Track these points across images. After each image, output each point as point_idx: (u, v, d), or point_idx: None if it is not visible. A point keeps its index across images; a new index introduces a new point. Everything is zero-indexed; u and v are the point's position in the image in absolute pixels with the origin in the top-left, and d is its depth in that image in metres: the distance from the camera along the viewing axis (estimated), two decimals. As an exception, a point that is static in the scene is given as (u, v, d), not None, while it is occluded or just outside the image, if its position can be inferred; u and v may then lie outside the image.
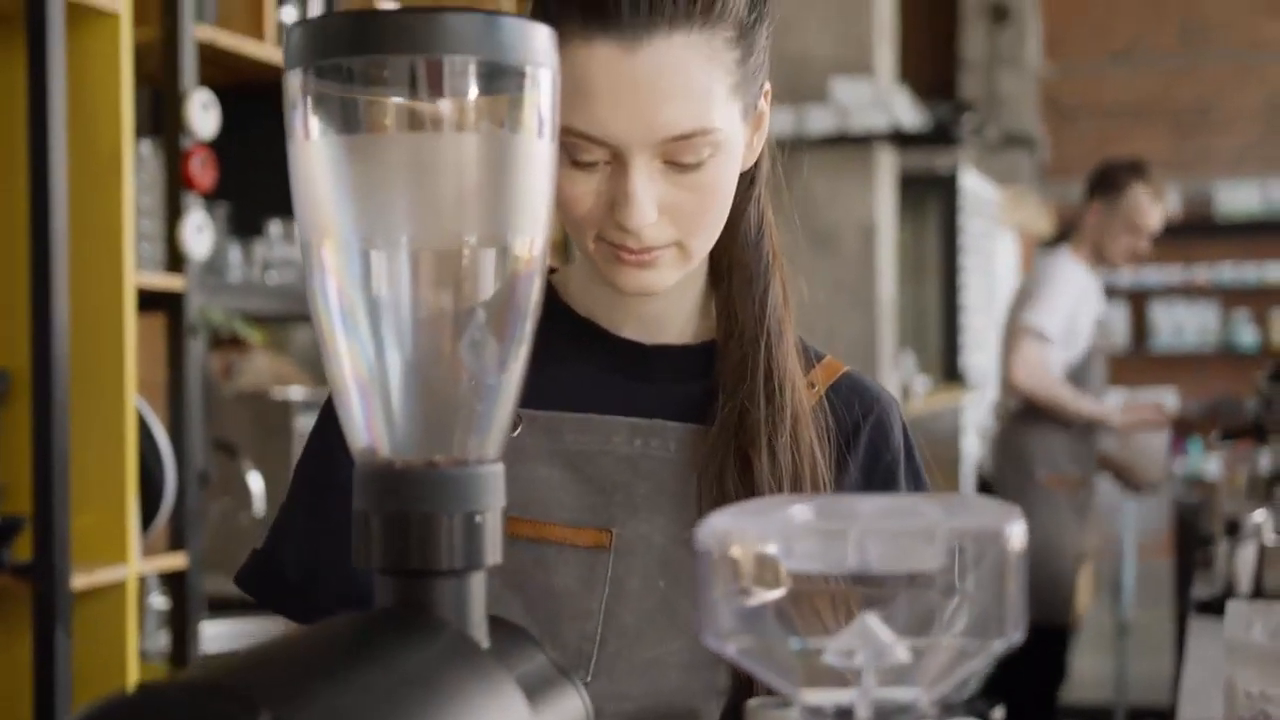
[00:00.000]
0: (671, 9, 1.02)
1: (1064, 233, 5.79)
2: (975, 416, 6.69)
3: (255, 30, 2.92)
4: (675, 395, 1.15)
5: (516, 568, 1.10)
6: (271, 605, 1.18)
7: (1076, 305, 4.13)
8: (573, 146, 1.03)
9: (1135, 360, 9.35)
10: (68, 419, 2.35)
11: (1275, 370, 3.08)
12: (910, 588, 0.63)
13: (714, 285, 1.18)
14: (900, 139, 5.56)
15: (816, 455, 1.13)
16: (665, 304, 1.16)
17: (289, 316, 3.39)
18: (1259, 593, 2.44)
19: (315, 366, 3.35)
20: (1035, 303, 4.10)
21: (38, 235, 2.32)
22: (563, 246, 2.91)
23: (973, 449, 6.36)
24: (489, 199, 0.63)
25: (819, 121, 5.32)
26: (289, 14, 3.04)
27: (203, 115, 2.67)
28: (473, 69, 0.61)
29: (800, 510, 0.65)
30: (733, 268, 1.16)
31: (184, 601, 2.67)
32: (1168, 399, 4.90)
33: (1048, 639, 4.06)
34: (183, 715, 0.49)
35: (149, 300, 2.61)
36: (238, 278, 2.98)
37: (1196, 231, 9.39)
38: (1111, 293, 8.01)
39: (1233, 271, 9.40)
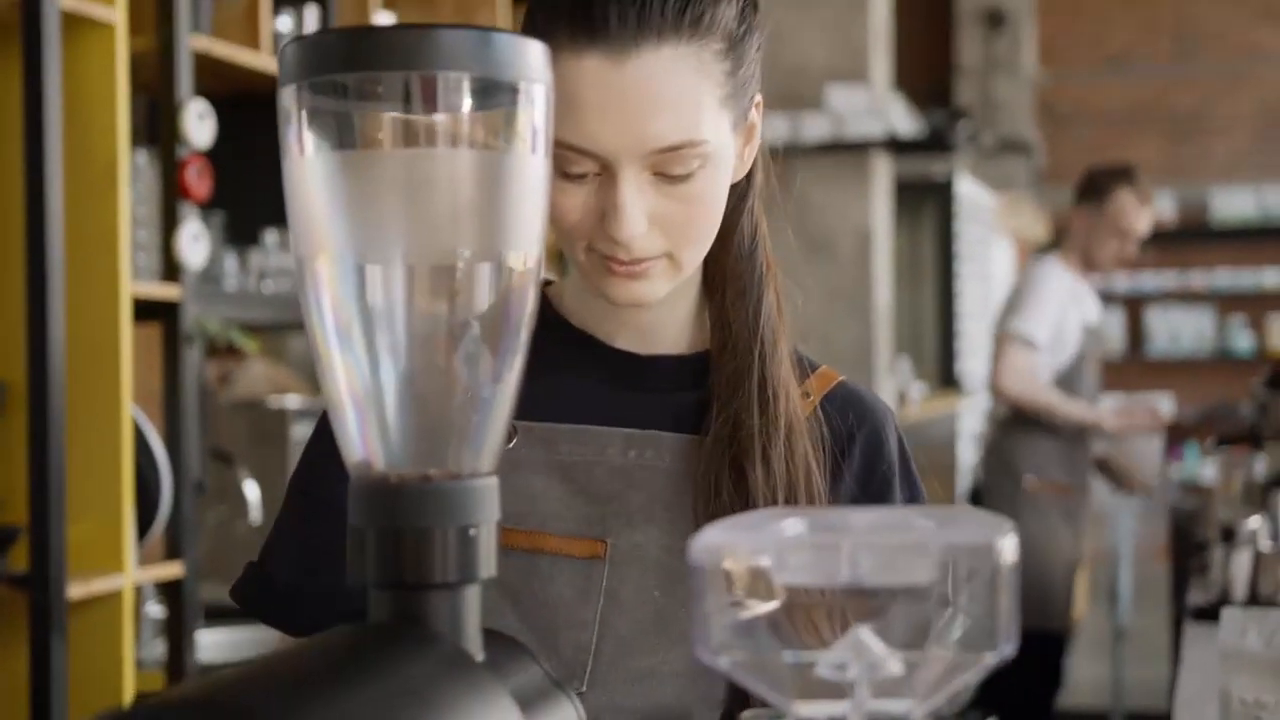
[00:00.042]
0: (660, 21, 1.01)
1: (1058, 239, 5.81)
2: (971, 422, 6.70)
3: (251, 40, 2.92)
4: (670, 406, 1.15)
5: (512, 578, 1.10)
6: (266, 619, 1.18)
7: (1063, 311, 4.13)
8: (562, 158, 1.03)
9: (1131, 366, 9.38)
10: (64, 428, 2.35)
11: (1271, 376, 3.08)
12: (903, 601, 0.63)
13: (708, 296, 1.17)
14: (896, 146, 5.58)
15: (811, 465, 1.12)
16: (659, 315, 1.15)
17: (285, 325, 3.39)
18: (1254, 599, 2.45)
19: (311, 375, 3.35)
20: (1021, 310, 4.11)
21: (34, 245, 2.33)
22: (559, 258, 2.92)
23: (968, 455, 6.37)
24: (483, 214, 0.63)
25: (815, 129, 5.34)
26: (285, 24, 3.04)
27: (198, 125, 2.67)
28: (467, 85, 0.62)
29: (793, 524, 0.65)
30: (726, 278, 1.15)
31: (180, 610, 2.67)
32: (1164, 404, 4.89)
33: (1044, 645, 4.06)
34: (179, 731, 0.49)
35: (145, 310, 2.61)
36: (233, 287, 2.98)
37: (1192, 237, 9.42)
38: (1107, 298, 8.03)
39: (1228, 277, 9.42)
